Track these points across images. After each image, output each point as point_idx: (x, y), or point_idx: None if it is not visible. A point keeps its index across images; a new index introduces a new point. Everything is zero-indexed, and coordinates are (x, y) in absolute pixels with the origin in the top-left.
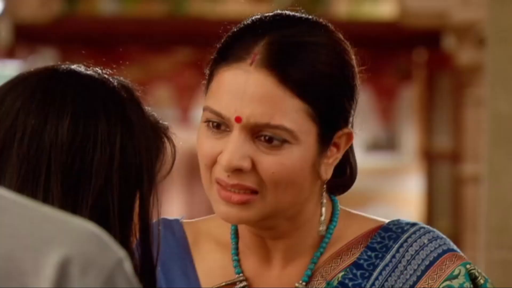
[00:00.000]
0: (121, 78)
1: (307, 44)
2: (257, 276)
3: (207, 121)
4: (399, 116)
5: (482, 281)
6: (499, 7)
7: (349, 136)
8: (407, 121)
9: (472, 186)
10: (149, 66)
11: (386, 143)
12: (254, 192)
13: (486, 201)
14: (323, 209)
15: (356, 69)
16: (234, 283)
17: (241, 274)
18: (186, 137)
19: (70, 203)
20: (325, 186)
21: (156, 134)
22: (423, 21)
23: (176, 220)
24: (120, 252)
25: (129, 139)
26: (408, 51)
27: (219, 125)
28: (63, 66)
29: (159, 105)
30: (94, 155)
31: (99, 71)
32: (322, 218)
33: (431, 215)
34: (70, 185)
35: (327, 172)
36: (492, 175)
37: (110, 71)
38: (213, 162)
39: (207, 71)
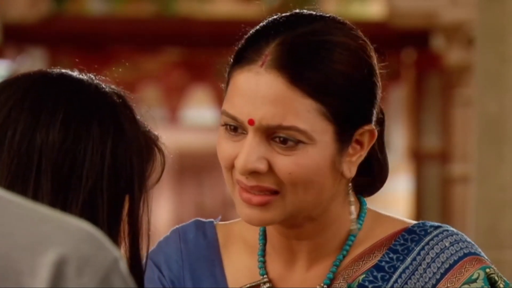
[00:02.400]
0: (113, 86)
1: (320, 43)
2: (281, 278)
3: (225, 124)
4: (387, 116)
5: (501, 285)
6: (488, 7)
7: (372, 133)
8: (395, 121)
9: (460, 186)
10: (137, 66)
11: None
12: (274, 192)
13: (475, 201)
14: (352, 208)
15: (376, 66)
16: (258, 285)
17: (265, 276)
18: (175, 137)
19: (60, 202)
20: (350, 184)
21: (147, 142)
22: (411, 21)
23: (210, 222)
24: (115, 252)
25: (120, 143)
26: (397, 51)
27: (236, 128)
28: (56, 70)
29: (148, 105)
30: (85, 157)
31: (93, 76)
32: (353, 216)
33: (419, 215)
34: (61, 185)
35: (351, 170)
36: (480, 175)
37: (104, 78)
38: (232, 165)
39: (225, 75)
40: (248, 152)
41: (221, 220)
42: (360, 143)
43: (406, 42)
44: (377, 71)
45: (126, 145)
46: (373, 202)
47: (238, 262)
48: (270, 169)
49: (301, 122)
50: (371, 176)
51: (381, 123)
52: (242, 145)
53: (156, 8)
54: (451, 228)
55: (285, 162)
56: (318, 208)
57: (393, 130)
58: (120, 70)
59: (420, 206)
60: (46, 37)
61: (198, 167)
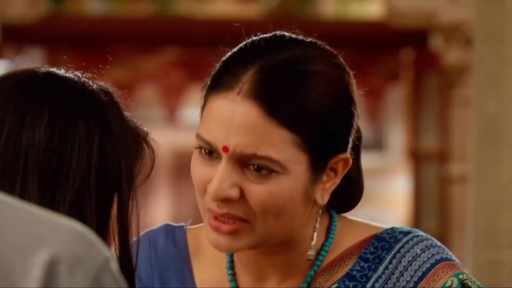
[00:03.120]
0: (101, 83)
1: (298, 73)
2: None
3: (200, 147)
4: (386, 116)
5: None
6: (487, 7)
7: (346, 162)
8: (394, 121)
9: (459, 186)
10: (136, 66)
11: (373, 143)
12: (243, 220)
13: (474, 201)
14: (315, 235)
15: (354, 94)
16: None
17: None
18: (173, 137)
19: (47, 204)
20: (320, 211)
21: (135, 139)
22: (410, 21)
23: (180, 227)
24: (107, 252)
25: (107, 142)
26: (395, 51)
27: (211, 152)
28: (42, 68)
29: (146, 105)
30: (72, 157)
31: (79, 74)
32: (313, 243)
33: (418, 215)
34: (47, 186)
35: (323, 198)
36: (479, 175)
37: (90, 75)
38: (205, 189)
39: (201, 97)
40: (220, 178)
41: None
42: (334, 170)
43: (404, 42)
44: (355, 99)
45: (113, 143)
46: (372, 202)
47: (208, 272)
48: (242, 196)
49: (275, 153)
50: (345, 199)
51: (356, 149)
52: (215, 171)
53: (155, 8)
54: (421, 233)
55: (258, 191)
56: (288, 235)
57: (392, 130)
58: (119, 70)
59: (418, 206)
60: (45, 37)
61: None
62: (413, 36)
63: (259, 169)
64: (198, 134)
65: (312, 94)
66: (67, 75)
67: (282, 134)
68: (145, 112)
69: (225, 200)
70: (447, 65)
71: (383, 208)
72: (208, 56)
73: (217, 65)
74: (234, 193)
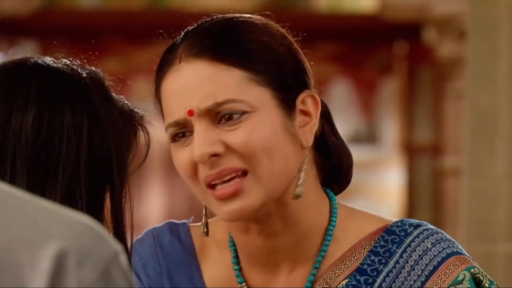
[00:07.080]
0: (92, 68)
1: (225, 21)
2: (260, 284)
3: (173, 137)
4: (379, 109)
5: (487, 285)
6: (480, 0)
7: (314, 99)
8: (387, 114)
9: (452, 179)
10: (129, 58)
11: (367, 136)
12: (243, 173)
13: (467, 194)
14: (302, 174)
15: (290, 36)
16: None
17: (243, 284)
18: None
19: None
20: (307, 153)
21: (128, 124)
22: (404, 14)
23: (183, 224)
24: (116, 245)
25: (96, 132)
26: (389, 44)
27: (184, 133)
28: (31, 59)
29: (140, 97)
30: (60, 150)
31: (68, 62)
32: (300, 181)
33: (411, 208)
34: (37, 181)
35: (307, 139)
36: (472, 168)
37: (79, 62)
38: (194, 171)
39: (155, 102)
40: (199, 139)
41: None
42: (306, 113)
43: (398, 35)
44: (296, 46)
45: (102, 133)
46: (365, 195)
47: (215, 269)
48: (228, 149)
49: (234, 93)
50: (333, 160)
51: (327, 116)
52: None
53: (147, 1)
54: (430, 226)
55: (237, 135)
56: (291, 184)
57: (385, 123)
58: (112, 63)
59: (412, 199)
60: (38, 30)
61: None
62: (407, 29)
63: (230, 117)
64: (167, 125)
65: (248, 33)
66: (54, 65)
67: (235, 75)
68: (138, 104)
69: (214, 158)
70: (441, 58)
71: (376, 201)
72: None
73: (155, 67)
74: (218, 147)
